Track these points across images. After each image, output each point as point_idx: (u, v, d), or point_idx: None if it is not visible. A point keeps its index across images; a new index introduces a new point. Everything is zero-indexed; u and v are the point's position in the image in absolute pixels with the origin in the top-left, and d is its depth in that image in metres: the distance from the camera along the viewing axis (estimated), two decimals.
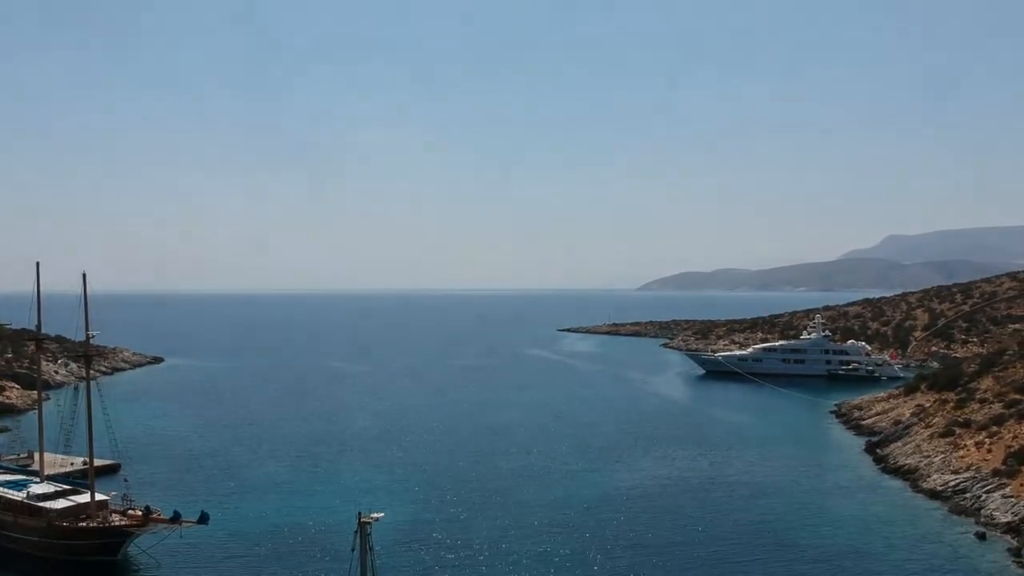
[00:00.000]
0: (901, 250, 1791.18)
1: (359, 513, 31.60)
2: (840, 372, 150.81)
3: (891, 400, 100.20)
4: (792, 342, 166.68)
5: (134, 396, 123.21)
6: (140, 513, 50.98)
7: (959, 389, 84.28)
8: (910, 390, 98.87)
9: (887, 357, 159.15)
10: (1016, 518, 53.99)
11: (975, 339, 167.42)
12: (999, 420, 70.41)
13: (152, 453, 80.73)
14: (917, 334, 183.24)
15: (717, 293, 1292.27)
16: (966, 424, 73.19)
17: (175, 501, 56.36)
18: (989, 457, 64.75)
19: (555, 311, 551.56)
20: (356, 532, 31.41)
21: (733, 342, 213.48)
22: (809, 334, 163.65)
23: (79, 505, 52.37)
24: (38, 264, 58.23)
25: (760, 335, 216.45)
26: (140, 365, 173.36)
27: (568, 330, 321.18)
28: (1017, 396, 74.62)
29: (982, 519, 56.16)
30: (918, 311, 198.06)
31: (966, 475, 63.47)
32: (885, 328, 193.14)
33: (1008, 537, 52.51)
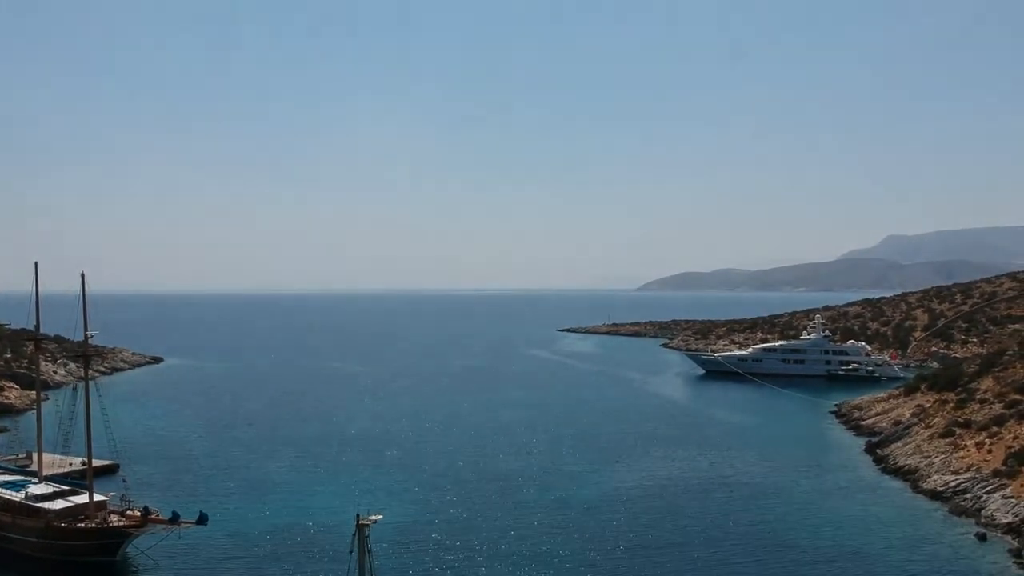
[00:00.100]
0: (901, 250, 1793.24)
1: (357, 515, 31.51)
2: (840, 372, 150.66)
3: (891, 400, 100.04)
4: (792, 342, 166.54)
5: (133, 396, 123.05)
6: (139, 514, 50.88)
7: (959, 389, 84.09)
8: (910, 390, 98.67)
9: (887, 357, 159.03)
10: (1017, 519, 53.87)
11: (975, 339, 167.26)
12: (999, 420, 70.28)
13: (151, 453, 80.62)
14: (917, 334, 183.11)
15: (717, 293, 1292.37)
16: (966, 424, 73.06)
17: (174, 502, 56.40)
18: (989, 458, 64.64)
19: (555, 311, 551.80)
20: (355, 534, 31.30)
21: (733, 342, 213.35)
22: (809, 334, 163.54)
23: (78, 506, 52.28)
24: (36, 264, 58.19)
25: (760, 335, 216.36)
26: (139, 365, 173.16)
27: (568, 330, 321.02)
28: (1017, 396, 74.47)
29: (982, 520, 56.04)
30: (918, 311, 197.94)
31: (966, 476, 63.35)
32: (885, 328, 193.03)
33: (1008, 538, 52.39)
